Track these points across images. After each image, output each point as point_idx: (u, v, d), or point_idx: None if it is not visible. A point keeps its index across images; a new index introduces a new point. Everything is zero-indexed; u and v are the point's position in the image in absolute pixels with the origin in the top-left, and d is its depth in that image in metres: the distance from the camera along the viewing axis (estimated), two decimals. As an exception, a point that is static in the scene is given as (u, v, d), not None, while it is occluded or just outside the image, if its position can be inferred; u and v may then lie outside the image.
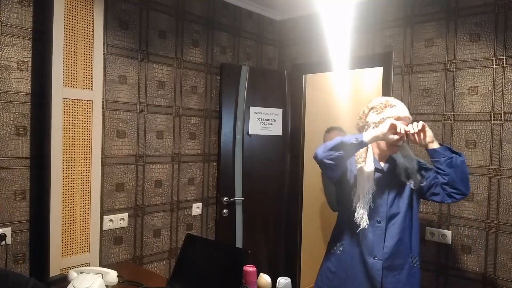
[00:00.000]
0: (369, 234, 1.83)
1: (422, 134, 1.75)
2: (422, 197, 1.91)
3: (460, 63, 2.55)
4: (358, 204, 1.82)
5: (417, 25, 2.72)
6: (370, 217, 1.82)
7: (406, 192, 1.86)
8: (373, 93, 4.22)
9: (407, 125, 1.76)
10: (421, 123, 1.74)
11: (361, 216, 1.80)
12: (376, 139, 1.74)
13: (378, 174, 1.85)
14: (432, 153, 1.78)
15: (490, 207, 2.44)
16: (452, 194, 1.78)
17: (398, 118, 1.77)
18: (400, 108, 1.82)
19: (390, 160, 1.90)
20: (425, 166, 1.91)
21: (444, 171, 1.75)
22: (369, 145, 1.86)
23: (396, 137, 1.72)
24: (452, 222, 2.57)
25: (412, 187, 1.87)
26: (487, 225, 2.45)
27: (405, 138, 1.76)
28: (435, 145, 1.77)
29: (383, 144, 1.85)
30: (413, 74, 2.74)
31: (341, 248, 1.92)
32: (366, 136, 1.72)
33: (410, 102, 2.74)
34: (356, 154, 1.86)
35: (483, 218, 2.46)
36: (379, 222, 1.83)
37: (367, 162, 1.85)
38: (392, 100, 1.86)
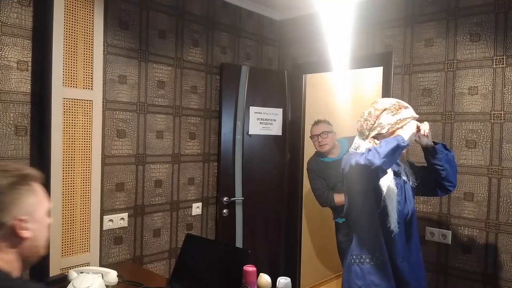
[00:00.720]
0: (395, 237, 1.80)
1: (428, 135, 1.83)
2: (417, 194, 1.97)
3: (460, 63, 2.55)
4: (390, 209, 1.78)
5: (417, 25, 2.72)
6: None
7: (410, 191, 1.90)
8: (373, 93, 4.22)
9: None
10: (427, 123, 1.80)
11: (394, 221, 1.78)
12: (410, 139, 1.73)
13: (394, 176, 1.85)
14: (433, 151, 1.85)
15: (490, 207, 2.44)
16: (448, 186, 1.90)
17: (414, 119, 1.80)
18: (412, 110, 1.85)
19: None
20: (414, 164, 2.01)
21: (443, 167, 1.85)
22: None
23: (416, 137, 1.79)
24: (452, 222, 2.57)
25: (411, 185, 1.91)
26: (487, 225, 2.45)
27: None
28: (431, 142, 1.87)
29: None
30: (413, 74, 2.74)
31: (381, 258, 1.83)
32: (406, 137, 1.69)
33: (410, 102, 2.73)
34: None
35: (483, 218, 2.46)
36: (399, 223, 1.81)
37: None
38: (402, 101, 1.87)
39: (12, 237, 1.02)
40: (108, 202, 2.48)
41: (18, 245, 1.03)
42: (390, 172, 1.79)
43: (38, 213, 1.07)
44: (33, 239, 1.05)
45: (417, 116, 1.83)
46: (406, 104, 1.84)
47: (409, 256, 1.85)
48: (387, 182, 1.79)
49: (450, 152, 1.87)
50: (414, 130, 1.72)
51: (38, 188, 1.10)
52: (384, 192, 1.79)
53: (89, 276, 1.78)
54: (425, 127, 1.79)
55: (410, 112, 1.81)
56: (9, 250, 1.02)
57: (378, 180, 1.76)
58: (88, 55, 2.22)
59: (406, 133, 1.71)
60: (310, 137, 3.15)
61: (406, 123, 1.76)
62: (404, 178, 1.89)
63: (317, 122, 3.17)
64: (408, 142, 1.68)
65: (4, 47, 2.06)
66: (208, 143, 3.03)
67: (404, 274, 1.83)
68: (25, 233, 1.02)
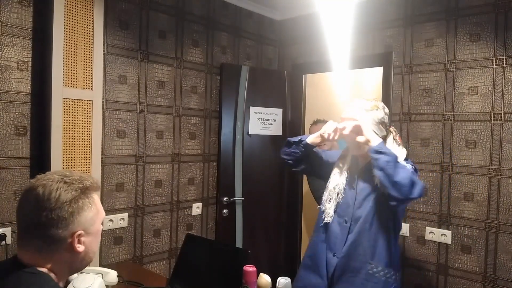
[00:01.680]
0: (334, 231, 1.86)
1: (354, 135, 1.76)
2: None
3: (460, 63, 2.55)
4: (325, 199, 1.90)
5: (417, 25, 2.72)
6: (339, 215, 1.86)
7: (375, 195, 1.78)
8: (373, 93, 4.21)
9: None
10: (351, 124, 1.74)
11: (327, 211, 1.87)
12: (316, 140, 1.91)
13: (353, 173, 1.89)
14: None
15: (490, 207, 2.44)
16: (389, 197, 1.66)
17: (342, 119, 1.85)
18: (346, 110, 1.88)
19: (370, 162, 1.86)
20: None
21: (376, 174, 1.68)
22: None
23: (330, 137, 1.82)
24: (452, 222, 2.57)
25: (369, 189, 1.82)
26: (487, 225, 2.45)
27: (329, 139, 1.83)
28: (370, 146, 1.71)
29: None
30: (413, 74, 2.74)
31: (314, 238, 1.97)
32: (309, 138, 1.93)
33: (410, 102, 2.74)
34: (341, 153, 2.00)
35: (483, 218, 2.46)
36: (346, 221, 1.84)
37: (345, 161, 1.92)
38: (352, 102, 1.90)
39: (67, 250, 1.01)
40: (108, 202, 2.48)
41: (70, 257, 1.02)
42: (345, 167, 1.90)
43: (94, 226, 1.06)
44: (86, 251, 1.04)
45: (346, 116, 1.83)
46: (349, 104, 1.89)
47: (344, 256, 1.79)
48: (336, 175, 1.91)
49: (385, 156, 1.64)
50: (322, 131, 1.85)
51: (96, 198, 1.08)
52: (328, 182, 1.93)
53: (89, 276, 1.78)
54: (327, 128, 1.82)
55: (344, 112, 1.88)
56: (61, 261, 1.02)
57: (292, 166, 2.03)
58: (88, 55, 2.22)
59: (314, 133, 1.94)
60: None
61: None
62: (376, 181, 1.76)
63: (315, 122, 3.15)
64: (306, 141, 1.92)
65: (4, 47, 2.06)
66: (208, 143, 3.03)
67: (329, 267, 1.84)
68: (79, 248, 1.02)
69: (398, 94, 2.79)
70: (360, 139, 1.72)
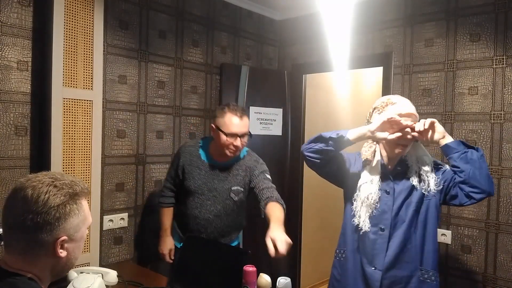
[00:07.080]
0: (371, 242, 1.71)
1: (430, 132, 1.63)
2: (443, 203, 1.71)
3: (460, 63, 2.55)
4: (359, 208, 1.72)
5: (417, 25, 2.72)
6: (373, 224, 1.70)
7: (415, 197, 1.68)
8: (373, 93, 4.22)
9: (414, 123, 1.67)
10: (429, 120, 1.62)
11: (363, 221, 1.70)
12: (362, 137, 1.66)
13: (385, 178, 1.73)
14: (445, 149, 1.64)
15: (490, 207, 2.44)
16: (471, 193, 1.59)
17: (401, 115, 1.66)
18: (401, 105, 1.70)
19: (401, 163, 1.74)
20: (442, 167, 1.74)
21: (459, 168, 1.59)
22: (377, 146, 1.76)
23: (385, 135, 1.60)
24: (452, 222, 2.57)
25: (424, 191, 1.67)
26: (487, 225, 2.45)
27: (408, 137, 1.64)
28: (447, 140, 1.64)
29: (386, 144, 1.73)
30: (413, 74, 2.74)
31: (344, 255, 1.81)
32: (351, 133, 1.66)
33: (410, 102, 2.74)
34: (362, 155, 1.78)
35: (483, 218, 2.46)
36: (382, 230, 1.69)
37: (373, 164, 1.74)
38: (394, 97, 1.75)
39: (49, 255, 1.00)
40: (108, 202, 2.48)
41: (52, 262, 1.02)
42: (377, 171, 1.72)
43: (79, 233, 1.05)
44: (68, 257, 1.03)
45: (406, 111, 1.67)
46: (395, 100, 1.71)
47: (390, 268, 1.68)
48: (368, 180, 1.72)
49: (474, 150, 1.60)
50: (372, 127, 1.62)
51: (85, 204, 1.06)
52: (358, 191, 1.73)
53: (89, 276, 1.77)
54: (420, 125, 1.64)
55: (395, 108, 1.68)
56: (44, 266, 1.02)
57: (318, 169, 1.78)
58: (88, 55, 2.22)
59: (357, 128, 1.67)
60: (224, 133, 2.03)
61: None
62: (414, 183, 1.69)
63: (242, 112, 2.07)
64: (348, 138, 1.65)
65: (4, 47, 2.06)
66: (208, 143, 3.02)
67: (372, 283, 1.69)
68: (62, 253, 1.01)
69: (398, 94, 2.77)
70: (438, 135, 1.64)
